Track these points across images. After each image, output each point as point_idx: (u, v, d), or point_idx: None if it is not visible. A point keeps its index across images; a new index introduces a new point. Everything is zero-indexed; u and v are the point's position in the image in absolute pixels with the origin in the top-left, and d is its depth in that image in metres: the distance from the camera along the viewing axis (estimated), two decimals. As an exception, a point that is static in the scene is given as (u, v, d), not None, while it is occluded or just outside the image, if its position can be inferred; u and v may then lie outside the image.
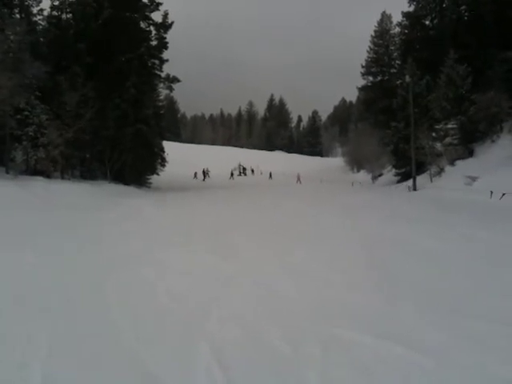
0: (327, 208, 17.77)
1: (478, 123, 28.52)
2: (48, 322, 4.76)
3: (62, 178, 25.01)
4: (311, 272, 7.07)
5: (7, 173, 21.07)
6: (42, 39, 29.29)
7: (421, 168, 29.55)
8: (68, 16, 31.19)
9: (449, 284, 6.30)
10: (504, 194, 17.63)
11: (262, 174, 63.54)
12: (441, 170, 28.58)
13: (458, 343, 4.21)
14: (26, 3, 29.42)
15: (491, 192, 18.19)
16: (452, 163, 28.46)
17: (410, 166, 28.77)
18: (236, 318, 4.99)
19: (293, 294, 5.89)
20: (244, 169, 65.69)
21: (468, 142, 29.00)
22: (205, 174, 51.85)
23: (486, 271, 6.96)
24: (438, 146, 30.29)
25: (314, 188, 35.01)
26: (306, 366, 3.77)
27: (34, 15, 30.01)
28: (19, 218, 12.43)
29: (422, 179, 28.04)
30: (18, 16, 28.35)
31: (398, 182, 34.99)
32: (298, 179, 46.38)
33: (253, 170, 67.56)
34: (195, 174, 52.13)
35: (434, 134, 30.57)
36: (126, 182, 29.26)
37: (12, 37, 23.50)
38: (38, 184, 19.78)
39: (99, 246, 9.14)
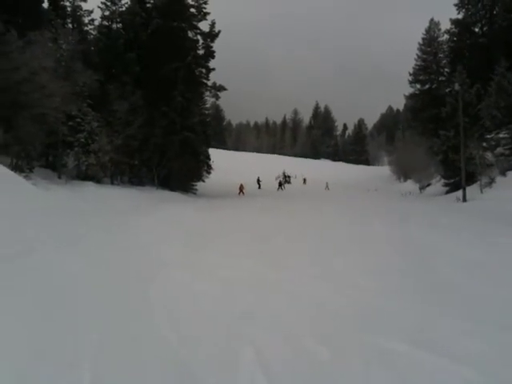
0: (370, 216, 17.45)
1: (531, 133, 27.53)
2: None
3: (112, 183, 25.79)
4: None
5: (59, 178, 21.94)
6: (92, 48, 30.44)
7: (471, 178, 28.63)
8: (118, 26, 32.40)
9: (493, 294, 6.15)
10: None
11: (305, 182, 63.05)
12: (492, 181, 27.61)
13: (501, 355, 4.11)
14: (78, 13, 30.77)
15: None
16: (503, 174, 27.48)
17: (460, 176, 27.91)
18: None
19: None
20: (288, 177, 65.46)
21: (520, 153, 28.00)
22: (280, 183, 53.32)
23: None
24: (489, 156, 29.34)
25: (353, 196, 34.33)
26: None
27: (86, 25, 31.45)
28: (69, 221, 12.82)
29: (471, 190, 27.11)
30: (70, 26, 29.61)
31: (447, 192, 33.98)
32: (327, 186, 52.10)
33: (291, 177, 67.03)
34: (279, 184, 52.70)
35: (484, 144, 29.62)
36: (172, 189, 29.81)
37: (64, 46, 24.57)
38: (88, 189, 20.49)
39: (142, 250, 9.37)
